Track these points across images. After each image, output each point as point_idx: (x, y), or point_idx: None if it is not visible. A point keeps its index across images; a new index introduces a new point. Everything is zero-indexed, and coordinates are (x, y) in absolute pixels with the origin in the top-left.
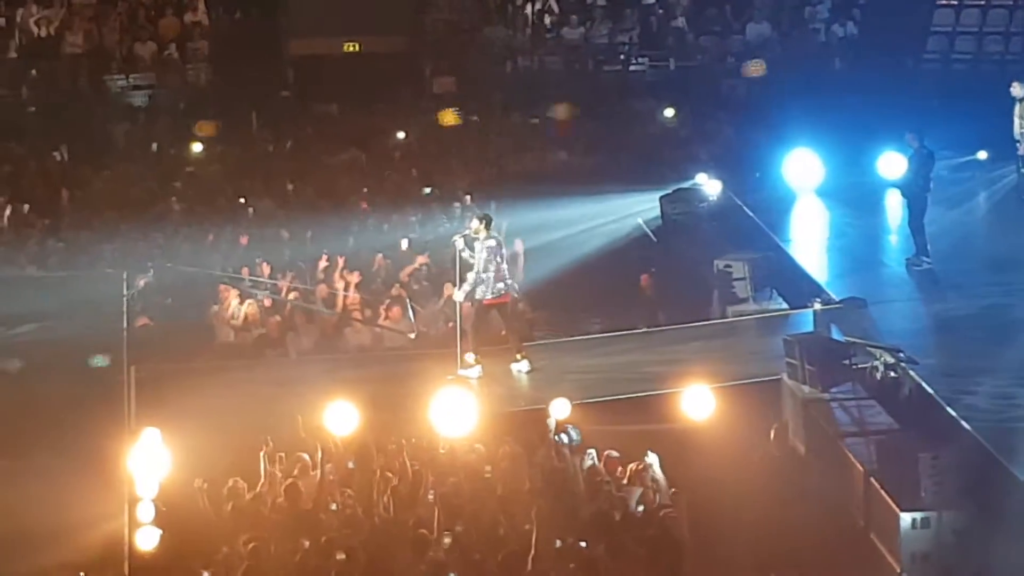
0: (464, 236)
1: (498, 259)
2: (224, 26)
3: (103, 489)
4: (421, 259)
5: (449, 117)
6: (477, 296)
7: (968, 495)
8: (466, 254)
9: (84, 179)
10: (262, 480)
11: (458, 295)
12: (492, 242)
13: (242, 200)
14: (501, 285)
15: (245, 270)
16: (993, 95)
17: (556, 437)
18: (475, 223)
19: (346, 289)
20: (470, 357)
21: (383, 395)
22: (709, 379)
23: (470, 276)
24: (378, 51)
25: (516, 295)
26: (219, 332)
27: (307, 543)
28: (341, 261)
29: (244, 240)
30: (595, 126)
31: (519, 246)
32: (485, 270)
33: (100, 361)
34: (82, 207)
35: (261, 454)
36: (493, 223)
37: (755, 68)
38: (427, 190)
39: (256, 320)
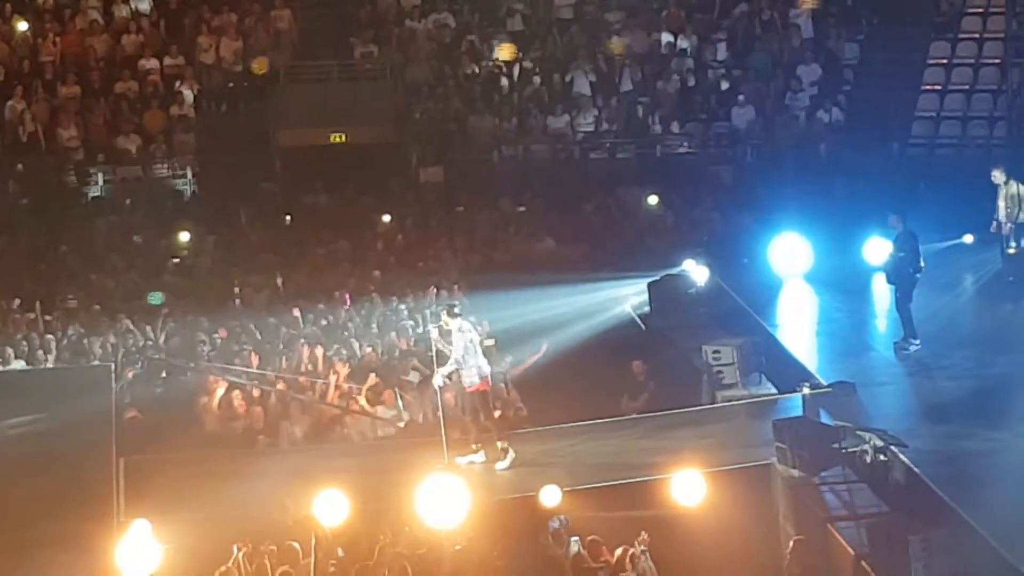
0: (439, 327)
1: (470, 347)
2: (210, 118)
3: None
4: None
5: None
6: (465, 383)
7: None
8: (440, 344)
9: (72, 272)
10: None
11: (436, 380)
12: (463, 330)
13: (236, 290)
14: (474, 372)
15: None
16: (978, 179)
17: (551, 523)
18: (443, 315)
19: (333, 378)
20: (474, 446)
21: (373, 485)
22: (699, 464)
23: (448, 364)
24: (365, 141)
25: (491, 381)
26: (207, 423)
27: None
28: (320, 352)
29: (223, 333)
30: (582, 214)
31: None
32: (464, 356)
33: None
34: (70, 300)
35: (237, 552)
36: (458, 310)
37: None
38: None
39: (245, 410)
